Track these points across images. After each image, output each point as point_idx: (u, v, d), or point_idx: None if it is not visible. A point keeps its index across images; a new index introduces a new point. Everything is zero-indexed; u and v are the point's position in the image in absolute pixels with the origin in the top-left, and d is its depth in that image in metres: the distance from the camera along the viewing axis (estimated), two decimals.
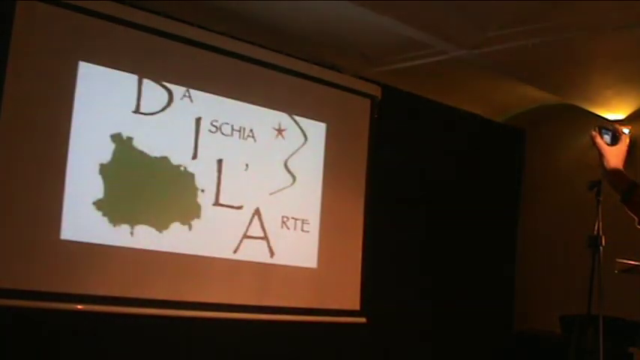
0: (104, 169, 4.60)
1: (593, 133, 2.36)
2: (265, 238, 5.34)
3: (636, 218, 2.31)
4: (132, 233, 4.70)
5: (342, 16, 5.00)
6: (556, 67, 5.95)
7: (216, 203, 5.10)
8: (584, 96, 6.53)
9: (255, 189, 5.31)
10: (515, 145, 7.58)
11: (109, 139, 4.65)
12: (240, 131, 5.26)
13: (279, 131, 5.49)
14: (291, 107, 5.57)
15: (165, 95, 4.92)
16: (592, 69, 5.96)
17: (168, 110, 4.93)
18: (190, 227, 4.97)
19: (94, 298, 4.48)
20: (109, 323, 4.56)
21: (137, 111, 4.79)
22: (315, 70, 5.73)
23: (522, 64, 5.87)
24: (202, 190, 5.04)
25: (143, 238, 4.74)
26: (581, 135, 7.14)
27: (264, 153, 5.38)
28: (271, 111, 5.44)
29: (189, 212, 4.98)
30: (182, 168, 4.97)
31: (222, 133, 5.18)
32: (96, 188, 4.56)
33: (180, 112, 4.98)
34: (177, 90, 4.97)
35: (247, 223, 5.25)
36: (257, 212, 5.30)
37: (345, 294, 5.80)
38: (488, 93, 6.89)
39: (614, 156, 2.34)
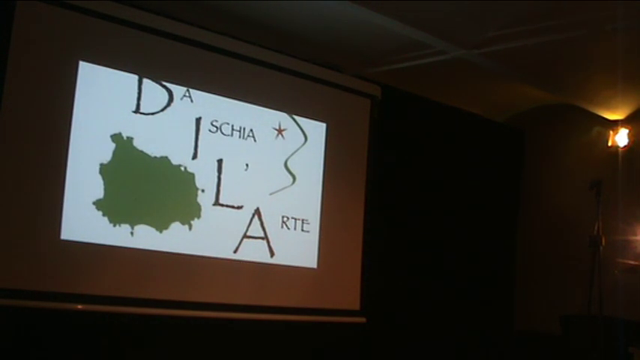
0: (104, 169, 4.60)
1: None
2: (265, 238, 5.34)
3: None
4: (132, 233, 4.70)
5: (342, 16, 5.01)
6: (556, 67, 5.96)
7: (217, 203, 5.11)
8: (584, 96, 6.53)
9: (255, 189, 5.31)
10: (514, 145, 7.59)
11: (109, 139, 4.65)
12: (240, 131, 5.27)
13: (279, 131, 5.49)
14: (291, 107, 5.57)
15: (165, 95, 4.93)
16: (592, 69, 5.96)
17: (168, 110, 4.93)
18: (190, 227, 4.97)
19: (94, 298, 4.48)
20: (108, 323, 4.57)
21: (137, 111, 4.79)
22: (315, 70, 5.73)
23: (522, 64, 5.87)
24: (202, 190, 5.04)
25: (143, 238, 4.74)
26: (581, 135, 7.15)
27: (264, 153, 5.38)
28: (271, 111, 5.45)
29: (189, 212, 4.98)
30: (182, 168, 4.98)
31: (223, 133, 5.18)
32: (96, 188, 4.56)
33: (181, 112, 4.98)
34: (178, 90, 4.98)
35: (247, 223, 5.25)
36: (257, 212, 5.31)
37: (345, 294, 5.80)
38: (488, 93, 6.89)
39: None
